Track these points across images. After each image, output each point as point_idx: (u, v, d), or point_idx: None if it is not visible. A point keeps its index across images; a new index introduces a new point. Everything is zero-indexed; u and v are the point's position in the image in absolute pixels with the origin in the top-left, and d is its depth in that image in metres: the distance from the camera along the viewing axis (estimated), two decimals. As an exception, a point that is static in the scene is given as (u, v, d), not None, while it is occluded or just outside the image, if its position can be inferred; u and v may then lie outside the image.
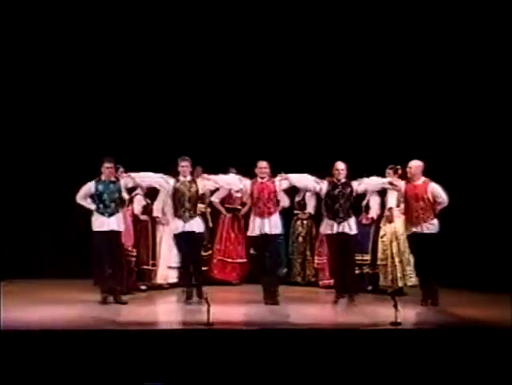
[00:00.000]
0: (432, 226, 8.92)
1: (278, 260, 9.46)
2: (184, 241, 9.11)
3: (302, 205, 10.73)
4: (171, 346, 6.68)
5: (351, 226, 9.04)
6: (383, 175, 9.51)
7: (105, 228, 8.94)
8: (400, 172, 9.63)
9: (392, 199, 9.61)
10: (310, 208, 10.67)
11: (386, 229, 9.67)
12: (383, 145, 10.96)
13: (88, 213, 9.16)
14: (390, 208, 9.62)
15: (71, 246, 11.52)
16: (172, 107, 11.53)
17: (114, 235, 9.00)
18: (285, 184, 9.22)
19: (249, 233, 9.25)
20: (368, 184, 9.23)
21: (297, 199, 10.68)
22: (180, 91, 11.47)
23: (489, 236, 10.30)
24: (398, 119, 11.11)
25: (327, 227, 9.07)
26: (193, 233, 9.08)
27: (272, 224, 9.01)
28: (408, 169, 9.02)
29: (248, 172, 9.59)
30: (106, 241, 8.93)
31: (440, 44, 10.76)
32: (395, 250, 9.61)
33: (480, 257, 10.26)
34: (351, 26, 11.07)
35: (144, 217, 10.05)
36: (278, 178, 9.10)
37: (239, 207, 10.93)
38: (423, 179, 9.02)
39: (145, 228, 10.10)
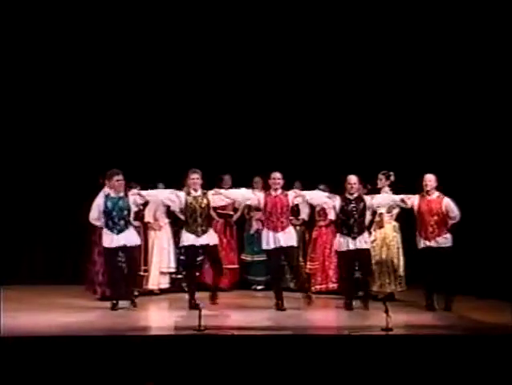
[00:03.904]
0: (446, 240, 8.96)
1: (299, 270, 9.60)
2: (194, 253, 9.10)
3: (296, 211, 10.73)
4: (162, 352, 6.67)
5: (366, 241, 9.08)
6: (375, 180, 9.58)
7: (114, 245, 8.99)
8: (392, 178, 9.65)
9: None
10: (304, 214, 10.67)
11: (376, 235, 9.68)
12: (380, 153, 11.03)
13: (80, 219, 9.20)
14: (380, 214, 9.62)
15: (61, 252, 11.51)
16: (175, 117, 11.55)
17: (126, 249, 9.04)
18: (299, 201, 9.30)
19: (264, 247, 9.20)
20: (381, 200, 9.27)
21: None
22: (186, 101, 11.52)
23: (491, 244, 10.22)
24: (403, 132, 11.19)
25: (343, 244, 9.04)
26: (207, 245, 9.07)
27: (287, 237, 9.03)
28: (428, 182, 9.00)
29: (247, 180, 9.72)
30: (116, 256, 9.01)
31: (443, 55, 10.75)
32: (384, 256, 9.62)
33: (479, 263, 10.21)
34: (359, 39, 11.14)
35: (136, 223, 10.03)
36: (292, 194, 9.12)
37: (231, 213, 10.94)
38: (437, 193, 9.04)
39: (137, 234, 10.09)
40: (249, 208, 10.85)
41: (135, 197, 9.13)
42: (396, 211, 9.75)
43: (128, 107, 11.43)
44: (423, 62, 10.91)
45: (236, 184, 10.68)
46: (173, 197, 9.12)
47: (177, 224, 10.18)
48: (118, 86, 11.37)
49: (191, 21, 11.11)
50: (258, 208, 10.32)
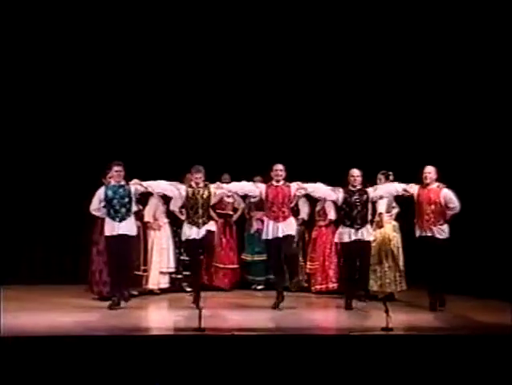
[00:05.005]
0: (442, 231, 8.96)
1: (295, 261, 9.65)
2: (196, 247, 9.06)
3: (296, 211, 10.72)
4: (162, 352, 6.67)
5: (368, 232, 9.10)
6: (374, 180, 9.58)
7: (116, 233, 8.98)
8: (391, 178, 9.65)
9: (382, 205, 9.63)
10: (304, 213, 10.68)
11: (376, 235, 9.66)
12: (378, 151, 11.03)
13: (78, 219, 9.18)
14: (380, 214, 9.63)
15: (61, 252, 11.50)
16: (176, 115, 11.55)
17: (125, 239, 9.04)
18: (301, 193, 9.32)
19: (263, 237, 9.22)
20: (383, 190, 9.28)
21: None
22: (186, 100, 11.53)
23: (491, 243, 10.19)
24: (403, 131, 11.21)
25: (344, 235, 9.06)
26: (207, 232, 9.05)
27: (286, 226, 9.03)
28: (427, 174, 9.02)
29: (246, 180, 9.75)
30: (117, 245, 8.97)
31: (439, 51, 10.74)
32: (384, 255, 9.63)
33: (478, 263, 10.19)
34: (359, 37, 11.15)
35: (135, 223, 10.02)
36: (294, 186, 9.13)
37: (231, 212, 10.94)
38: (437, 184, 9.06)
39: (137, 234, 10.08)
40: (250, 207, 10.85)
41: (136, 186, 9.15)
42: (395, 211, 9.77)
43: (128, 105, 11.44)
44: (420, 59, 10.91)
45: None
46: (174, 189, 9.16)
47: (177, 224, 10.19)
48: (119, 84, 11.37)
49: (192, 19, 11.11)
50: (258, 208, 10.33)
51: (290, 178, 9.39)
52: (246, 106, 11.58)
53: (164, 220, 10.42)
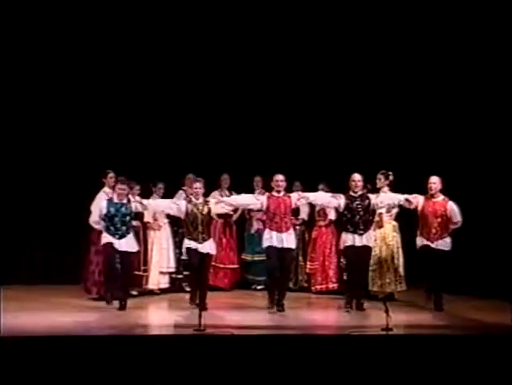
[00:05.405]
0: (445, 243, 9.02)
1: (290, 273, 9.68)
2: (196, 258, 8.99)
3: (295, 211, 10.73)
4: (162, 352, 6.67)
5: (371, 238, 9.10)
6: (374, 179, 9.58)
7: (115, 247, 8.98)
8: (391, 178, 9.65)
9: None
10: (304, 214, 10.69)
11: (376, 235, 9.64)
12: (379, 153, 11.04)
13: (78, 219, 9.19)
14: (380, 214, 9.62)
15: (61, 252, 11.50)
16: (176, 116, 11.54)
17: (125, 255, 9.07)
18: (302, 202, 9.37)
19: (265, 244, 9.08)
20: (385, 198, 9.26)
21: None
22: (186, 101, 11.52)
23: (491, 243, 10.19)
24: (403, 132, 11.23)
25: (348, 240, 9.03)
26: (206, 254, 9.03)
27: (289, 240, 9.00)
28: (432, 185, 9.05)
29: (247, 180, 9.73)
30: (115, 253, 8.97)
31: (448, 56, 10.73)
32: (384, 255, 9.62)
33: (479, 263, 10.19)
34: (361, 40, 11.14)
35: (135, 223, 10.03)
36: (295, 196, 9.11)
37: (231, 213, 10.92)
38: (442, 196, 9.09)
39: (137, 234, 10.08)
40: (250, 207, 10.85)
41: (136, 204, 9.16)
42: (395, 211, 9.76)
43: (128, 107, 11.44)
44: (429, 63, 10.89)
45: (235, 184, 10.71)
46: (174, 206, 9.11)
47: (177, 224, 10.19)
48: (118, 86, 11.37)
49: (190, 22, 11.10)
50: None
51: (289, 182, 9.42)
52: (247, 108, 11.57)
53: (164, 220, 10.42)
